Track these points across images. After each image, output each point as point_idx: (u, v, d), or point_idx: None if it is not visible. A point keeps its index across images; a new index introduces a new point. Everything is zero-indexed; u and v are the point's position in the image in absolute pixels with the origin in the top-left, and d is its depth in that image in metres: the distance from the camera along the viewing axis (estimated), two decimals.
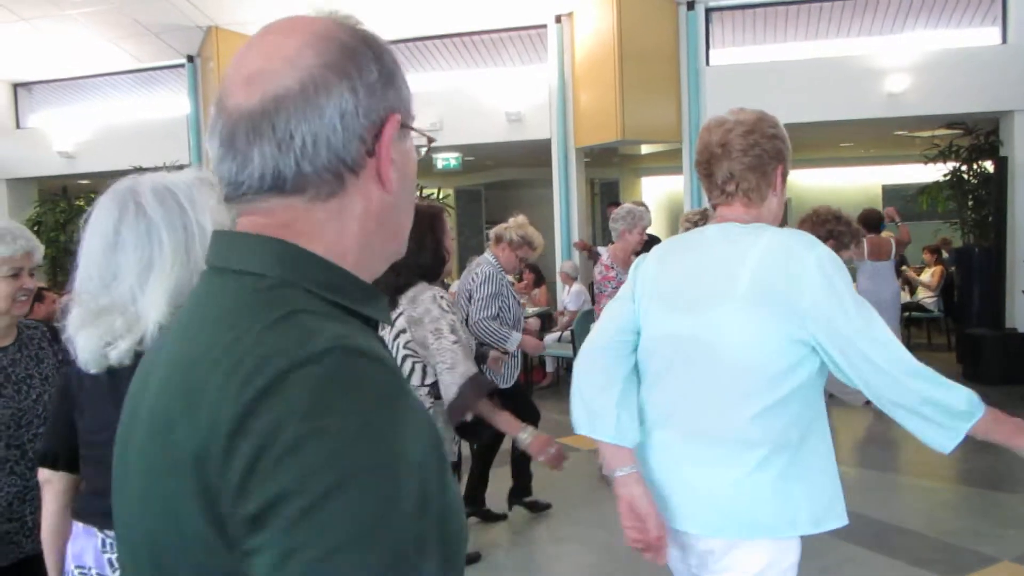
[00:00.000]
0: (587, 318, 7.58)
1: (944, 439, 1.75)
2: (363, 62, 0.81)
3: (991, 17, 8.59)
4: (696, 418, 1.87)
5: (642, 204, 7.72)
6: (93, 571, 1.76)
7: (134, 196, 1.72)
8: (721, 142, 1.95)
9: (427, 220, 2.92)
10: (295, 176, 0.79)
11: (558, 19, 9.38)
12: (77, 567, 1.80)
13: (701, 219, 4.69)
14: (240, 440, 0.67)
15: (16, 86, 11.90)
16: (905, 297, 10.78)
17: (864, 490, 5.03)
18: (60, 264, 11.60)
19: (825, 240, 3.38)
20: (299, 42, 0.80)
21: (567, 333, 8.12)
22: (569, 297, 8.94)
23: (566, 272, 9.07)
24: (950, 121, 8.89)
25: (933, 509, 4.86)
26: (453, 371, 2.72)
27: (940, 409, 1.73)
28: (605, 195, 13.93)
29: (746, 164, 1.93)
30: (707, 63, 9.09)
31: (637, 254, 5.42)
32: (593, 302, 7.44)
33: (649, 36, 8.80)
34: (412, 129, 0.89)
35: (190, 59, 10.62)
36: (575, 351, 7.89)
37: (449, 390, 2.74)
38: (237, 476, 0.66)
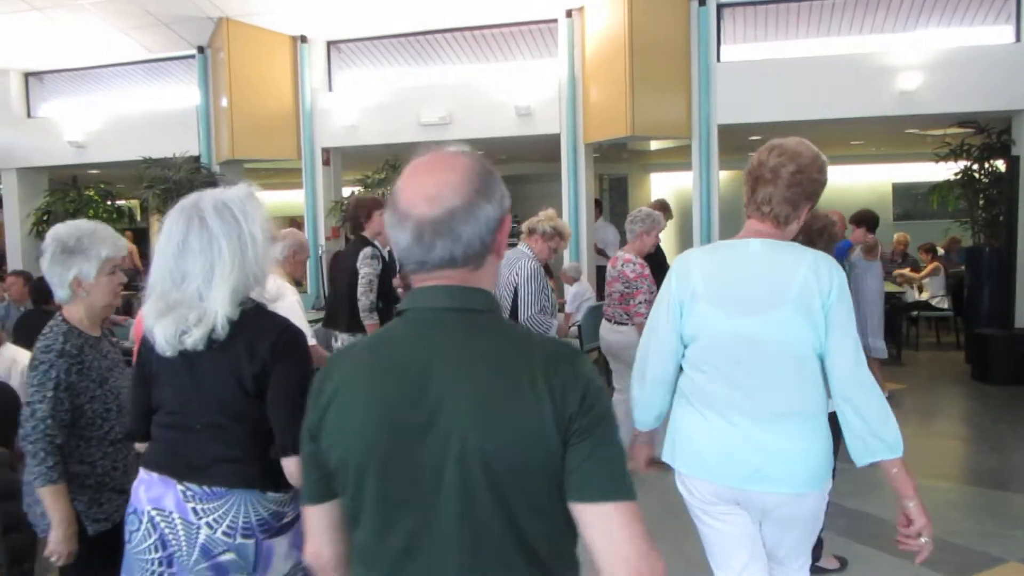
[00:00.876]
0: (595, 313, 7.57)
1: (863, 453, 2.26)
2: (495, 186, 1.37)
3: (1005, 15, 8.52)
4: (770, 401, 2.26)
5: (664, 204, 7.75)
6: (175, 515, 2.06)
7: (197, 211, 2.05)
8: (773, 169, 2.30)
9: None
10: (462, 257, 1.34)
11: (568, 13, 9.35)
12: (155, 509, 2.08)
13: None
14: (569, 392, 1.29)
15: (27, 75, 11.93)
16: (914, 296, 10.76)
17: (870, 489, 5.01)
18: None
19: (820, 233, 3.51)
20: (460, 176, 1.34)
21: (574, 328, 8.12)
22: (568, 298, 8.77)
23: (568, 273, 8.81)
24: (962, 120, 8.84)
25: (940, 509, 4.83)
26: None
27: (875, 428, 2.23)
28: (614, 191, 13.91)
29: (785, 197, 2.30)
30: (718, 59, 9.04)
31: (648, 256, 5.52)
32: (599, 297, 7.45)
33: (660, 31, 8.76)
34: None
35: (200, 50, 10.63)
36: (582, 345, 7.90)
37: None
38: (576, 407, 1.29)
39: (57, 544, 2.47)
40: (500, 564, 1.30)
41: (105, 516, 2.60)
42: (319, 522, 1.47)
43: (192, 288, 2.02)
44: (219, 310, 2.01)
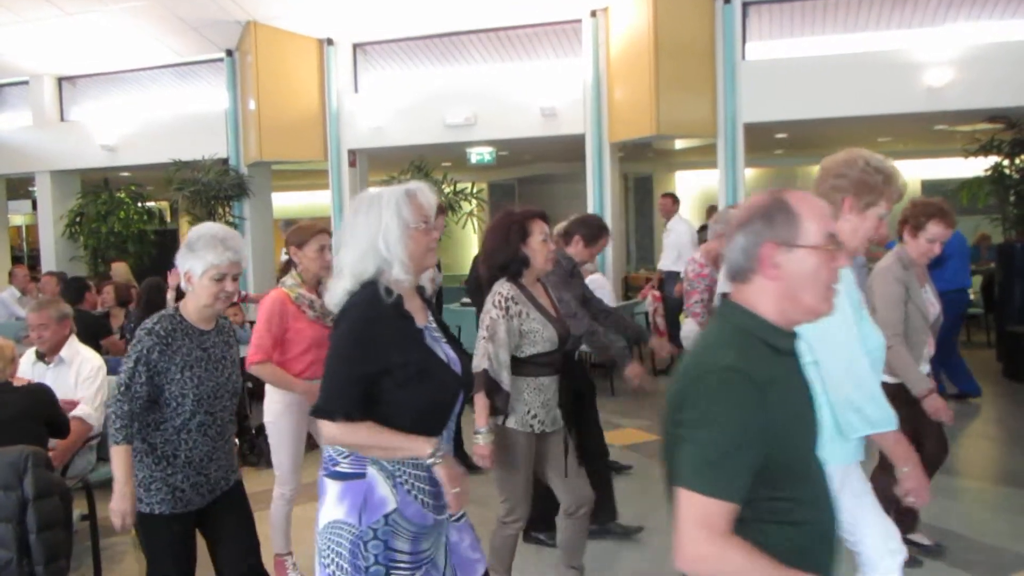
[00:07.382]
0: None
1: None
2: (775, 214, 1.59)
3: None
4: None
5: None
6: None
7: (367, 198, 2.29)
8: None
9: (507, 225, 3.28)
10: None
11: (593, 13, 9.36)
12: None
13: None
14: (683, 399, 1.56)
15: (60, 80, 12.13)
16: None
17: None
18: (102, 254, 11.80)
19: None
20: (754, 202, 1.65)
21: None
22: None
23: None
24: (992, 115, 8.73)
25: (974, 510, 4.79)
26: (473, 360, 3.11)
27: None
28: (639, 190, 13.88)
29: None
30: (743, 57, 9.01)
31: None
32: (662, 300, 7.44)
33: (685, 30, 8.74)
34: (794, 246, 1.57)
35: (229, 53, 10.77)
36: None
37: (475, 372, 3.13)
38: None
39: (115, 502, 2.65)
40: None
41: (159, 500, 2.73)
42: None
43: (337, 260, 2.29)
44: (342, 283, 2.24)
